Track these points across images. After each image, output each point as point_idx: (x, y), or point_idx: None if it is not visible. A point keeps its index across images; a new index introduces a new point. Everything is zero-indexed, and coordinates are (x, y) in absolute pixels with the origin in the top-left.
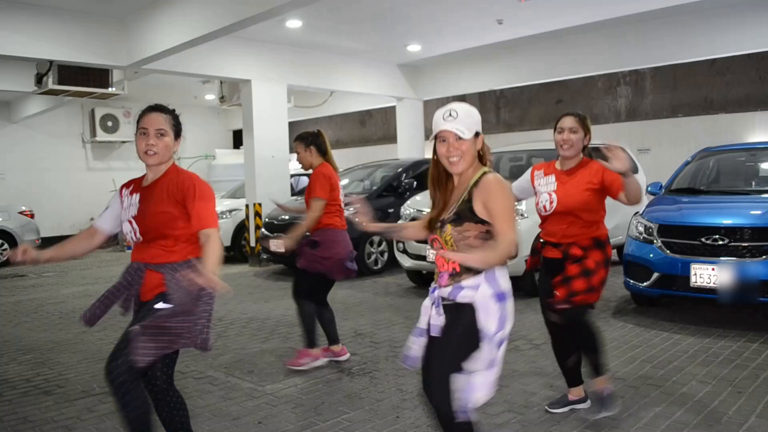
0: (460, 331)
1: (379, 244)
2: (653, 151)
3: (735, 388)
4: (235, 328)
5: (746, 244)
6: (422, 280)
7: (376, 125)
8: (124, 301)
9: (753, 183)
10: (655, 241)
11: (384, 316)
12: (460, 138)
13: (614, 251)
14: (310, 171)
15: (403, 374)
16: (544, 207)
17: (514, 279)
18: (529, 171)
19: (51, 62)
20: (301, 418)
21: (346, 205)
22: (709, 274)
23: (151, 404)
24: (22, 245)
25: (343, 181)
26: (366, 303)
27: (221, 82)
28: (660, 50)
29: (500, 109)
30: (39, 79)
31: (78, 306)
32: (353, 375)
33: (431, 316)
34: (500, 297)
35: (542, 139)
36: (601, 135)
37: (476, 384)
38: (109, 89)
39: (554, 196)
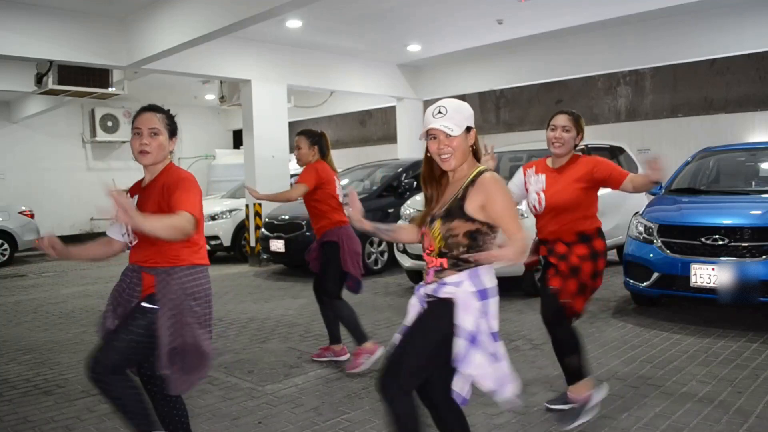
0: (432, 324)
1: (379, 244)
2: (653, 151)
3: (735, 388)
4: (235, 328)
5: (746, 244)
6: (422, 280)
7: (376, 125)
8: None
9: (753, 183)
10: (655, 241)
11: (384, 316)
12: (449, 135)
13: (614, 251)
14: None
15: None
16: (534, 207)
17: (514, 279)
18: (520, 171)
19: (51, 62)
20: (301, 418)
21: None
22: (709, 274)
23: (142, 388)
24: (50, 235)
25: (343, 181)
26: (366, 303)
27: (221, 82)
28: (660, 50)
29: (500, 109)
30: (39, 79)
31: (78, 306)
32: (353, 375)
33: (416, 312)
34: (482, 294)
35: (542, 139)
36: (601, 135)
37: (491, 377)
38: (109, 89)
39: (542, 195)
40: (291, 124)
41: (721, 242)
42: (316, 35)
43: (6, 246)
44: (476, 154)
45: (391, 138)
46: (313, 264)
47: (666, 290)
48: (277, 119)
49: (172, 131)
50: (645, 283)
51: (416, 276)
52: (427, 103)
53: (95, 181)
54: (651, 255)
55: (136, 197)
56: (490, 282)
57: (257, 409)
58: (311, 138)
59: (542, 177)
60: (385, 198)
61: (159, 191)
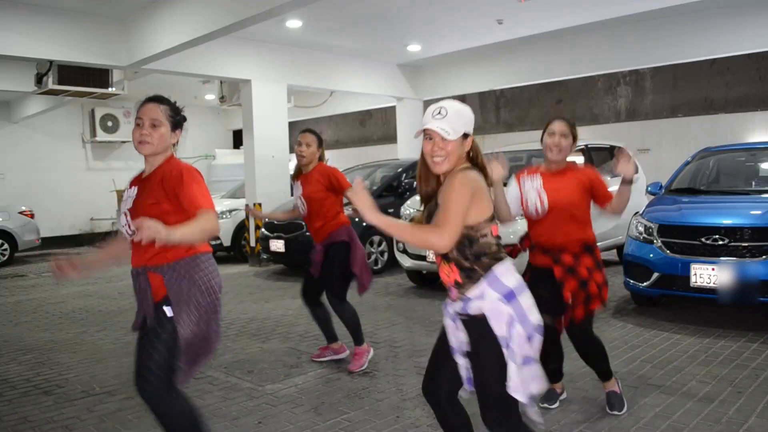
0: (483, 349)
1: (379, 244)
2: (653, 151)
3: (735, 388)
4: (235, 328)
5: (746, 244)
6: (422, 280)
7: (376, 125)
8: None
9: (753, 183)
10: (655, 241)
11: (384, 316)
12: (444, 138)
13: (614, 251)
14: (310, 167)
15: (403, 374)
16: (536, 207)
17: None
18: (512, 179)
19: (51, 62)
20: (301, 418)
21: (345, 204)
22: (709, 274)
23: (195, 406)
24: (63, 260)
25: None
26: (366, 303)
27: (221, 82)
28: (660, 50)
29: (500, 109)
30: (39, 79)
31: (78, 306)
32: (353, 375)
33: (455, 333)
34: (509, 296)
35: None
36: (601, 135)
37: (519, 379)
38: (109, 89)
39: (544, 194)
40: (291, 124)
41: (721, 242)
42: (316, 35)
43: (6, 246)
44: (475, 161)
45: (391, 138)
46: (315, 267)
47: (666, 290)
48: (277, 119)
49: (176, 123)
50: (645, 283)
51: (416, 276)
52: (427, 103)
53: (95, 181)
54: (651, 255)
55: (135, 188)
56: (513, 280)
57: (257, 409)
58: (320, 140)
59: (538, 176)
60: (385, 198)
61: (158, 182)
